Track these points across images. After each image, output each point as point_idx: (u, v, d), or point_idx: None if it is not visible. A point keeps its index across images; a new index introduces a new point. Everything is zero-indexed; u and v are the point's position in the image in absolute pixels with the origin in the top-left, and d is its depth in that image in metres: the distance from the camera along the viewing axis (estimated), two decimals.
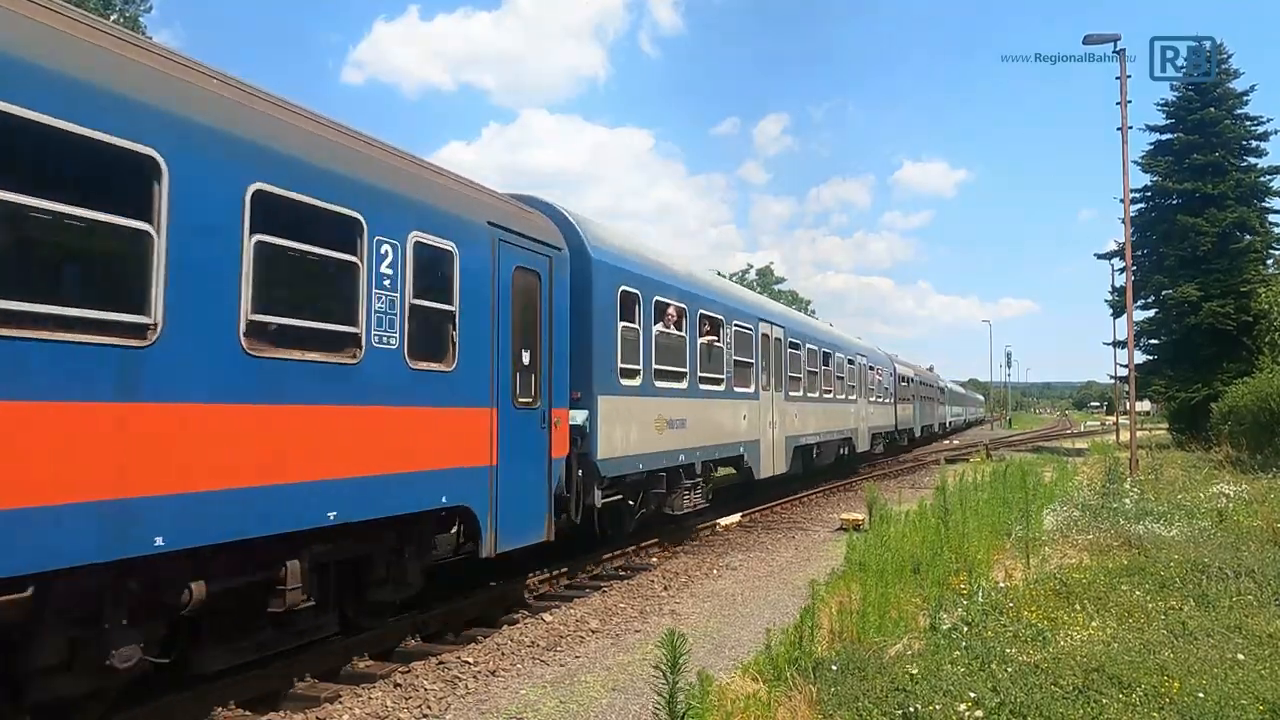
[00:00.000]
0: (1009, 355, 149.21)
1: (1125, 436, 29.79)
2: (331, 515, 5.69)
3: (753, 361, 15.09)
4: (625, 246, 11.19)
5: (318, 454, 5.66)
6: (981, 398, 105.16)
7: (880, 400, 28.30)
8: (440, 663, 6.82)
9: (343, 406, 5.90)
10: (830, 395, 21.29)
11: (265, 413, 5.28)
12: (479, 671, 6.60)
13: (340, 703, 5.95)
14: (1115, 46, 19.70)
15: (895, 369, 31.86)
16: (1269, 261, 33.69)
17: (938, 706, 4.78)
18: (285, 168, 5.58)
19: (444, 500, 6.89)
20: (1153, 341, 35.28)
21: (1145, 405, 43.81)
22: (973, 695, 4.89)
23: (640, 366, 10.78)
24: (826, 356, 21.06)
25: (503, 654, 7.07)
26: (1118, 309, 35.61)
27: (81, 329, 4.28)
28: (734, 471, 15.83)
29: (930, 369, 64.69)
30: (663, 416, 11.31)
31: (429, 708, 5.81)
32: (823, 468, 22.54)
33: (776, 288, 69.25)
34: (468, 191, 7.96)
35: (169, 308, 4.68)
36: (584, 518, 9.55)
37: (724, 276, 32.83)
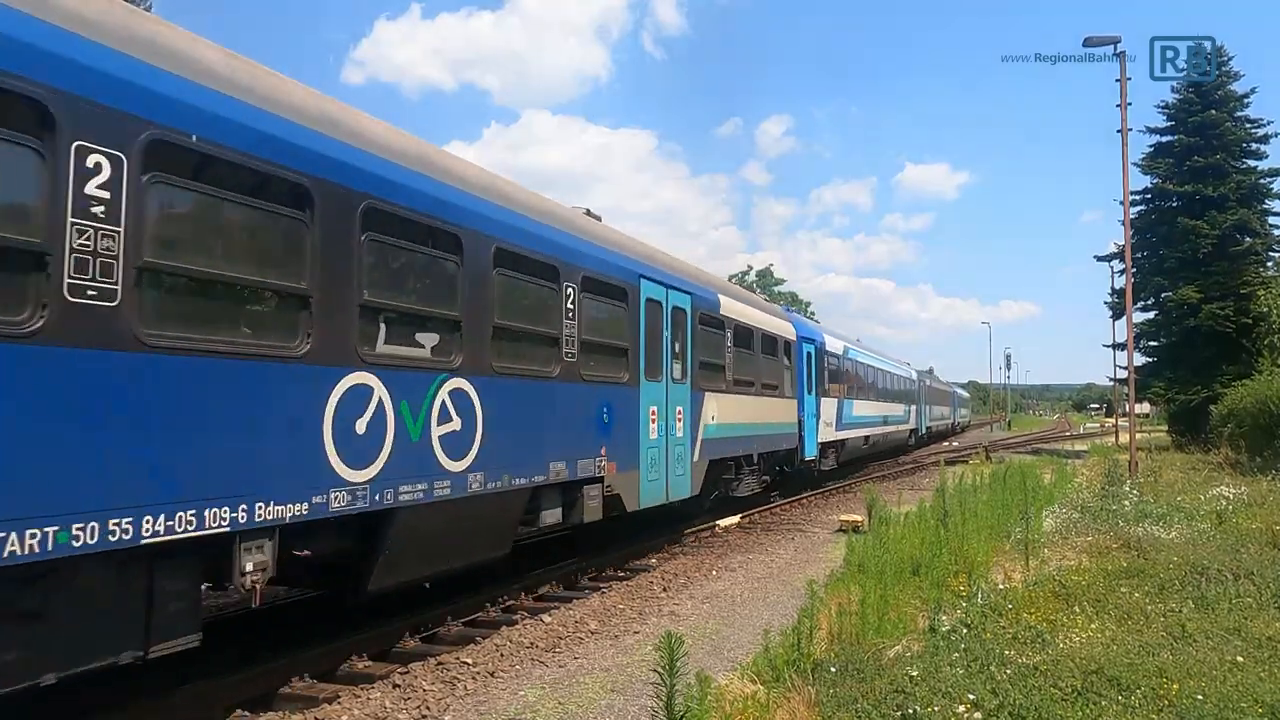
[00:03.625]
0: (1008, 357, 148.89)
1: (1125, 438, 29.80)
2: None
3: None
4: None
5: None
6: (965, 394, 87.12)
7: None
8: (439, 663, 6.81)
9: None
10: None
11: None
12: (478, 672, 6.59)
13: (339, 703, 5.95)
14: (1115, 49, 19.73)
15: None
16: (1269, 264, 33.72)
17: (937, 708, 4.78)
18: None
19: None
20: (1152, 344, 35.32)
21: (1145, 407, 43.56)
22: (972, 697, 4.90)
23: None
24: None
25: (502, 655, 7.06)
26: (1117, 311, 35.62)
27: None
28: None
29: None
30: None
31: (428, 708, 5.80)
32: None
33: (776, 289, 69.19)
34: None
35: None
36: None
37: (726, 278, 31.71)
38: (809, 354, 19.46)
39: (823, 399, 20.46)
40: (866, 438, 26.44)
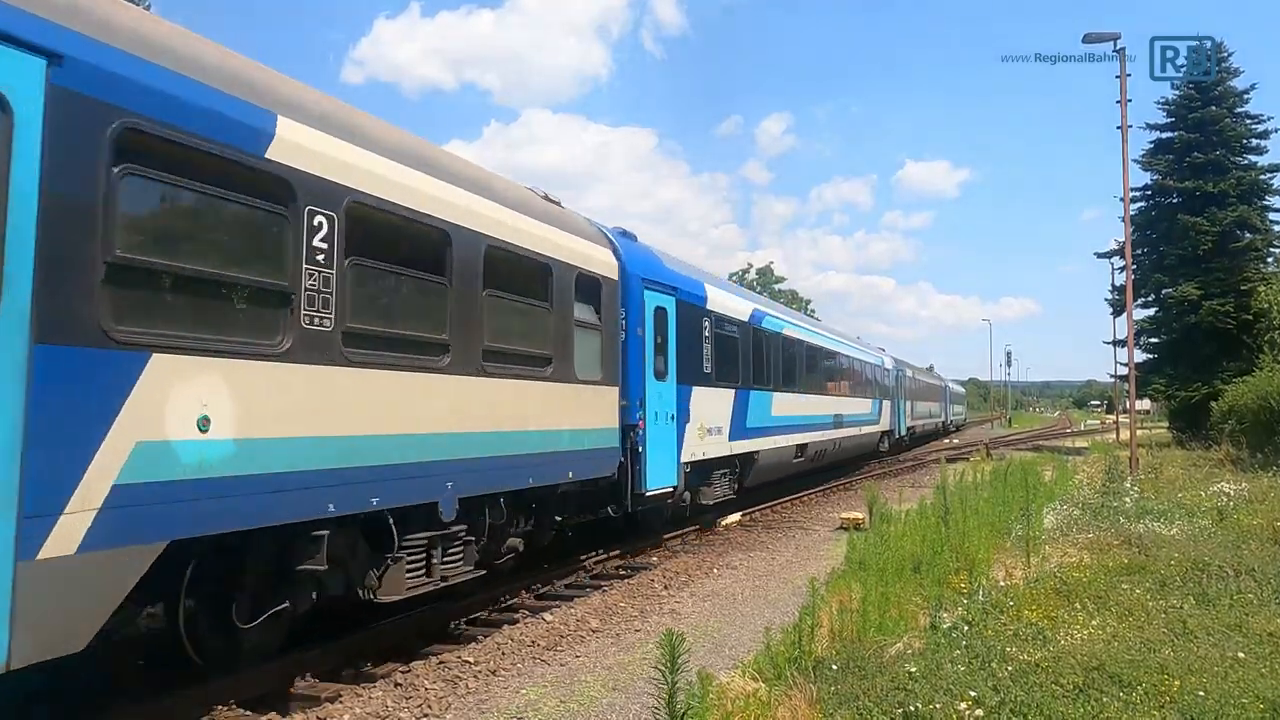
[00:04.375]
0: (1009, 354, 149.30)
1: (1125, 435, 29.79)
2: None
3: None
4: None
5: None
6: (960, 388, 77.37)
7: None
8: (440, 662, 6.82)
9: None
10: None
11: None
12: (479, 671, 6.59)
13: (340, 702, 5.95)
14: (1115, 45, 19.71)
15: None
16: (1269, 260, 33.71)
17: (938, 705, 4.77)
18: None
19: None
20: (1153, 340, 35.29)
21: (1145, 404, 43.52)
22: (973, 694, 4.89)
23: None
24: None
25: (503, 653, 7.06)
26: (1118, 308, 35.62)
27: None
28: None
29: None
30: None
31: (429, 707, 5.81)
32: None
33: (777, 287, 69.20)
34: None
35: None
36: None
37: (729, 278, 30.74)
38: (661, 311, 11.57)
39: (698, 389, 12.67)
40: (800, 447, 18.41)
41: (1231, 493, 14.35)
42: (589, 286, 9.70)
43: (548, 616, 8.33)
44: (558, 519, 9.64)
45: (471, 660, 6.84)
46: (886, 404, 30.55)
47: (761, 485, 16.76)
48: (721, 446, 13.68)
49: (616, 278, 10.41)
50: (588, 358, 9.64)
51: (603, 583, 10.22)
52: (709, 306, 13.52)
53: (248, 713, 5.78)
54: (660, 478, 11.22)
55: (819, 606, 6.34)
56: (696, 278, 13.73)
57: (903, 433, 34.88)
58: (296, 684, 6.27)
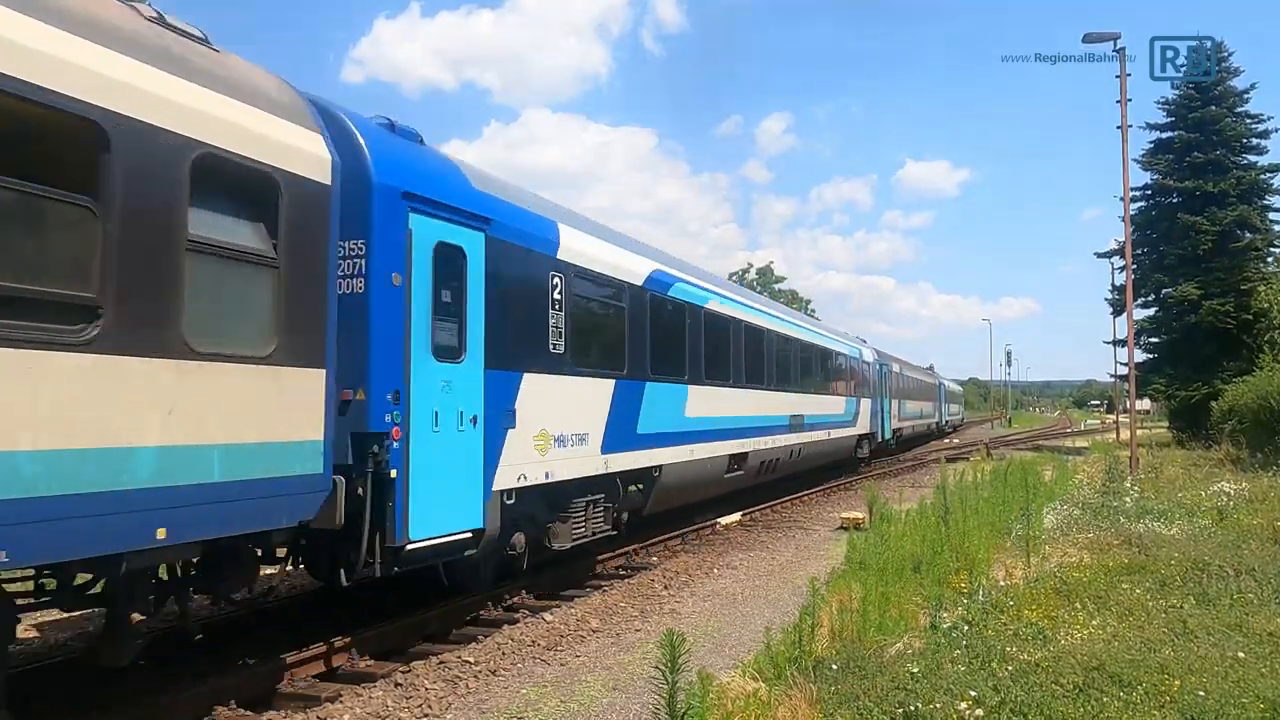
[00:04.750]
0: (1009, 354, 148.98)
1: (1125, 435, 29.80)
2: None
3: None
4: None
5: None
6: (956, 386, 73.59)
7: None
8: (441, 662, 6.81)
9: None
10: None
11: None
12: (479, 671, 6.59)
13: (340, 702, 5.95)
14: (1115, 45, 19.72)
15: None
16: (1269, 260, 33.73)
17: (938, 705, 4.78)
18: None
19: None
20: (1153, 340, 35.31)
21: (1145, 404, 43.52)
22: (973, 694, 4.89)
23: None
24: None
25: (503, 653, 7.06)
26: (1118, 308, 35.64)
27: None
28: None
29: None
30: None
31: (429, 707, 5.81)
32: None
33: (777, 287, 69.18)
34: None
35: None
36: None
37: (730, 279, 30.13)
38: (450, 251, 7.46)
39: (535, 376, 8.65)
40: (737, 457, 14.43)
41: (1231, 492, 14.35)
42: (244, 185, 5.32)
43: (548, 616, 8.33)
44: (144, 616, 5.01)
45: (471, 660, 6.84)
46: (866, 403, 26.07)
47: (674, 511, 12.93)
48: (587, 462, 9.63)
49: (329, 182, 5.90)
50: (240, 314, 5.38)
51: (603, 583, 10.22)
52: (563, 256, 9.28)
53: (248, 712, 5.78)
54: (443, 518, 7.14)
55: (819, 606, 6.35)
56: (545, 214, 9.43)
57: (886, 436, 30.21)
58: (297, 683, 6.28)
